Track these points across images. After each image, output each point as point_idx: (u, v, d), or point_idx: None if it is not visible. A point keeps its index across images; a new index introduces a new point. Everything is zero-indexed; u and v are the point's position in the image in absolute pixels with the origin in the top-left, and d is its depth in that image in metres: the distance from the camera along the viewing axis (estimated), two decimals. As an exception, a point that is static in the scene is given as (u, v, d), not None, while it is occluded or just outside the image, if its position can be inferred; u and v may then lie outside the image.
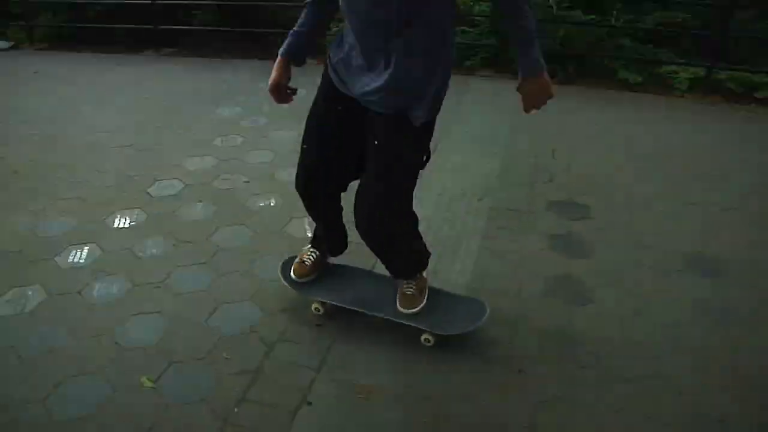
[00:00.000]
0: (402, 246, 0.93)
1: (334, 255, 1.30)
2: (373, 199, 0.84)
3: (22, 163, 2.49)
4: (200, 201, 2.24)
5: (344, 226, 1.14)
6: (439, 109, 0.82)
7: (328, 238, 1.20)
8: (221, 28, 4.23)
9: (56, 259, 1.86)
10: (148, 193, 2.32)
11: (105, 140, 2.78)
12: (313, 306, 1.28)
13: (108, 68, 4.03)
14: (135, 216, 2.13)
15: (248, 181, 2.33)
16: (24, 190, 2.27)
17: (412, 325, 1.01)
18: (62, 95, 3.46)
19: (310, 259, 1.28)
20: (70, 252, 1.88)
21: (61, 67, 4.12)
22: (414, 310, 1.12)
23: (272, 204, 2.11)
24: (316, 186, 1.03)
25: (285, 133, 2.76)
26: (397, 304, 1.09)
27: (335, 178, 0.97)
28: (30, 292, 1.61)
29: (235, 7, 4.20)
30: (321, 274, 1.24)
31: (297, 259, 1.22)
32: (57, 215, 2.13)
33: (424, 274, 1.17)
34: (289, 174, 2.29)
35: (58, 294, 1.64)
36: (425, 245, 1.11)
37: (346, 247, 1.19)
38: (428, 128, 0.80)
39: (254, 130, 2.86)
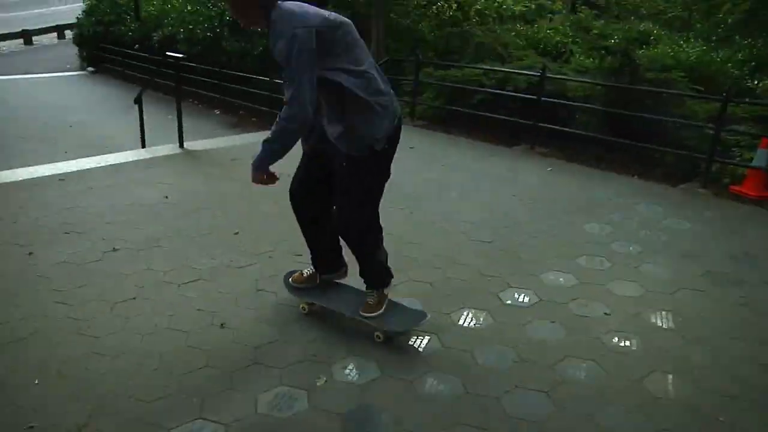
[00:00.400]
0: (365, 253, 1.36)
1: (320, 273, 1.78)
2: (338, 214, 1.35)
3: (384, 233, 2.29)
4: (552, 321, 2.37)
5: (331, 250, 1.54)
6: (370, 146, 1.27)
7: (313, 257, 1.63)
8: (601, 136, 4.52)
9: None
10: (498, 297, 2.54)
11: (464, 231, 3.16)
12: (301, 305, 1.95)
13: (480, 156, 4.65)
14: (481, 318, 2.33)
15: (609, 314, 2.42)
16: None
17: (370, 324, 1.64)
18: (430, 176, 4.05)
19: (307, 272, 1.85)
20: (409, 337, 2.07)
21: (435, 146, 4.88)
22: (371, 315, 1.73)
23: (633, 348, 2.15)
24: (299, 212, 1.54)
25: (659, 269, 2.77)
26: (360, 309, 1.68)
27: (313, 205, 1.46)
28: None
29: (621, 116, 4.45)
30: (315, 285, 1.79)
31: (299, 271, 1.69)
32: (408, 293, 2.43)
33: (385, 291, 1.81)
34: (659, 317, 2.30)
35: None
36: (388, 268, 1.65)
37: (334, 269, 1.66)
38: (357, 161, 1.27)
39: (624, 256, 2.96)
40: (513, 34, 7.31)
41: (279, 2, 1.53)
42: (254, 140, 5.11)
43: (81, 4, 15.60)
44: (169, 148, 4.75)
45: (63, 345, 2.20)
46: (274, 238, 3.01)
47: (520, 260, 2.89)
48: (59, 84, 11.75)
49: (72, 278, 2.68)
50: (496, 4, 8.39)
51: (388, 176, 1.86)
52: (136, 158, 4.31)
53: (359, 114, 1.42)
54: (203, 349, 2.14)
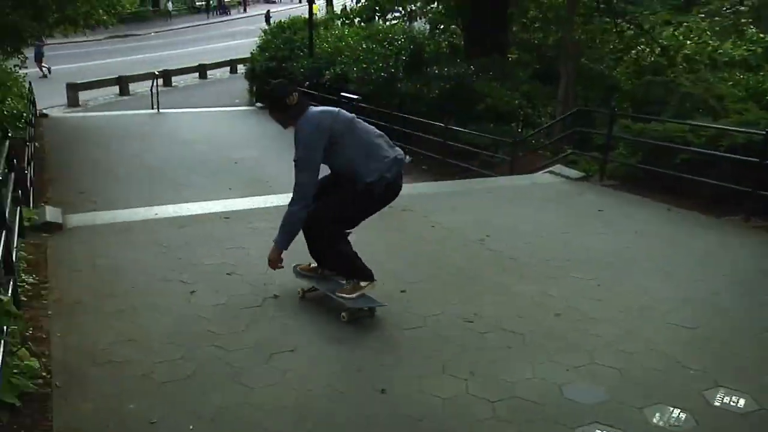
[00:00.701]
0: (325, 248, 2.45)
1: (323, 267, 3.01)
2: (311, 212, 2.40)
3: (565, 306, 2.97)
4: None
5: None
6: (362, 186, 2.57)
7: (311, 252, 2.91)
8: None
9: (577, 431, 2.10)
10: (703, 396, 2.47)
11: (660, 311, 3.13)
12: (298, 289, 2.97)
13: (681, 225, 4.54)
14: (681, 419, 2.28)
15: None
16: (561, 339, 2.69)
17: (340, 300, 2.57)
18: (620, 244, 4.10)
19: (312, 265, 2.98)
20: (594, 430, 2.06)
21: (627, 210, 4.87)
22: (341, 296, 2.67)
23: None
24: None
25: None
26: (337, 290, 2.67)
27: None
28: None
29: None
30: (316, 274, 2.89)
31: (307, 262, 2.87)
32: (591, 378, 2.46)
33: (362, 284, 2.83)
34: None
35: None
36: (357, 265, 2.76)
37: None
38: (355, 192, 2.54)
39: None
40: (730, 84, 6.98)
41: (298, 116, 2.82)
42: (427, 190, 5.51)
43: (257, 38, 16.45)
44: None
45: (218, 391, 2.40)
46: (440, 298, 3.38)
47: (732, 355, 2.76)
48: (228, 118, 12.70)
49: (230, 322, 2.96)
50: (709, 48, 7.84)
51: (369, 213, 3.14)
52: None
53: (355, 171, 2.87)
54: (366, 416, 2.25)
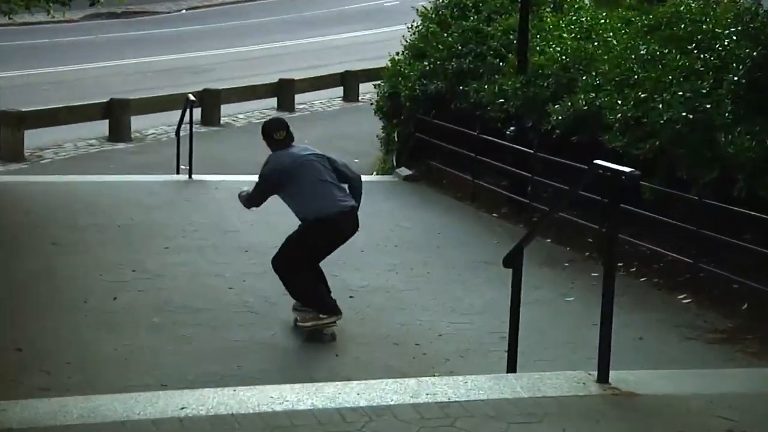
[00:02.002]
0: (284, 279, 8.15)
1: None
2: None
3: None
4: None
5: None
6: (306, 225, 8.17)
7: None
8: None
9: None
10: None
11: None
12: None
13: None
14: None
15: None
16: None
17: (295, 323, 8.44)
18: None
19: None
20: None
21: None
22: (297, 320, 8.26)
23: None
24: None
25: None
26: (298, 315, 8.40)
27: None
28: None
29: None
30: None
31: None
32: None
33: (322, 315, 8.15)
34: None
35: None
36: (318, 301, 8.22)
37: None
38: (301, 229, 8.25)
39: None
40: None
41: (276, 150, 8.41)
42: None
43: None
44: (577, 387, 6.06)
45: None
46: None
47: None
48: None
49: None
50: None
51: (317, 250, 8.29)
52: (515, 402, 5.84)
53: (303, 211, 8.18)
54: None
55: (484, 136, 13.29)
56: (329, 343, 7.98)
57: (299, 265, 8.01)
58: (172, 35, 35.37)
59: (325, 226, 7.96)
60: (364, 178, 15.48)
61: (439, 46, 15.15)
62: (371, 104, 18.11)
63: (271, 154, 8.24)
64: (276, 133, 8.23)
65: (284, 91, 22.89)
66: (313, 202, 7.87)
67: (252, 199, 8.41)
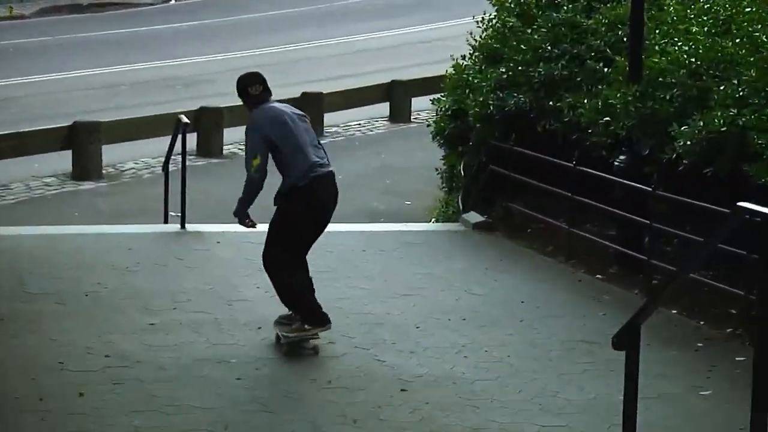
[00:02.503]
0: (274, 280, 10.42)
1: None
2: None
3: None
4: None
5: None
6: (280, 200, 10.56)
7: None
8: None
9: None
10: None
11: None
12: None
13: None
14: None
15: None
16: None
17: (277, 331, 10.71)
18: None
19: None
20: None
21: None
22: (282, 332, 10.37)
23: None
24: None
25: None
26: (280, 326, 10.60)
27: None
28: None
29: None
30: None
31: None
32: None
33: (307, 327, 10.29)
34: None
35: None
36: (306, 304, 10.36)
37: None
38: (279, 210, 10.66)
39: None
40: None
41: (255, 107, 10.60)
42: None
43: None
44: None
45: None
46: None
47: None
48: (387, 262, 14.52)
49: None
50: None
51: (303, 230, 10.50)
52: None
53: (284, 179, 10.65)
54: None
55: (584, 169, 13.35)
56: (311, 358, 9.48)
57: (290, 260, 10.14)
58: (156, 35, 36.22)
59: (305, 196, 10.01)
60: (417, 226, 15.12)
61: (521, 46, 15.25)
62: (428, 126, 18.34)
63: (254, 111, 10.15)
64: (251, 87, 10.11)
65: (309, 108, 22.55)
66: (296, 167, 9.94)
67: (251, 182, 10.20)
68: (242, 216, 10.47)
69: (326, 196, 10.20)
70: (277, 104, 10.54)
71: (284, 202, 10.09)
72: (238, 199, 10.47)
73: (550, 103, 14.36)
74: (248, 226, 10.52)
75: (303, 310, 10.00)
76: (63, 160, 19.43)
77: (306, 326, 9.93)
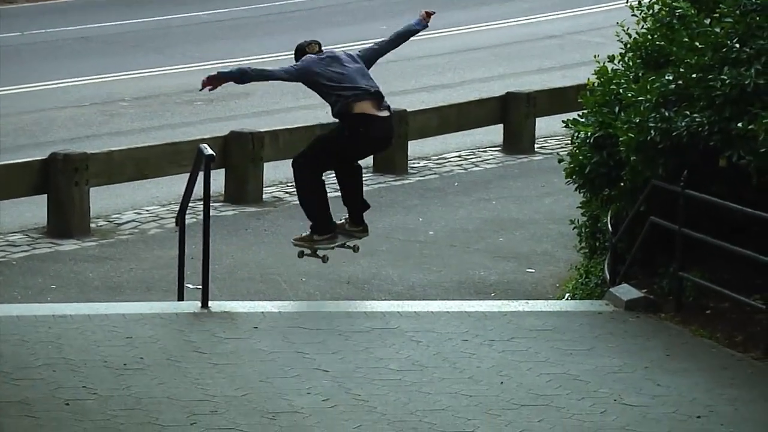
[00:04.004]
0: (297, 179, 17.78)
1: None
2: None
3: None
4: None
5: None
6: (339, 130, 17.95)
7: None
8: None
9: None
10: None
11: None
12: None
13: None
14: None
15: None
16: None
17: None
18: None
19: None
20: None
21: None
22: (295, 241, 17.63)
23: None
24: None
25: None
26: (294, 237, 18.36)
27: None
28: None
29: None
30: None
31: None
32: None
33: (316, 237, 17.51)
34: None
35: None
36: (319, 214, 17.54)
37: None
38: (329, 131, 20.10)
39: None
40: None
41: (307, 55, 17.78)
42: None
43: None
44: None
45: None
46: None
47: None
48: (510, 366, 14.31)
49: None
50: None
51: (342, 149, 17.58)
52: None
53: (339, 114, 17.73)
54: None
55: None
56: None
57: (312, 178, 16.23)
58: (168, 29, 37.13)
59: (354, 127, 15.87)
60: (544, 305, 15.20)
61: (696, 44, 15.28)
62: (559, 160, 18.54)
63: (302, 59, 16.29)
64: (308, 47, 16.26)
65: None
66: (343, 101, 15.87)
67: (264, 73, 16.86)
68: (219, 79, 15.95)
69: (381, 135, 16.41)
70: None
71: (339, 128, 16.30)
72: (239, 69, 16.60)
73: (739, 125, 14.28)
74: (205, 85, 15.72)
75: (315, 218, 16.08)
76: (36, 208, 19.69)
77: (315, 237, 15.93)
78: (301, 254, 16.17)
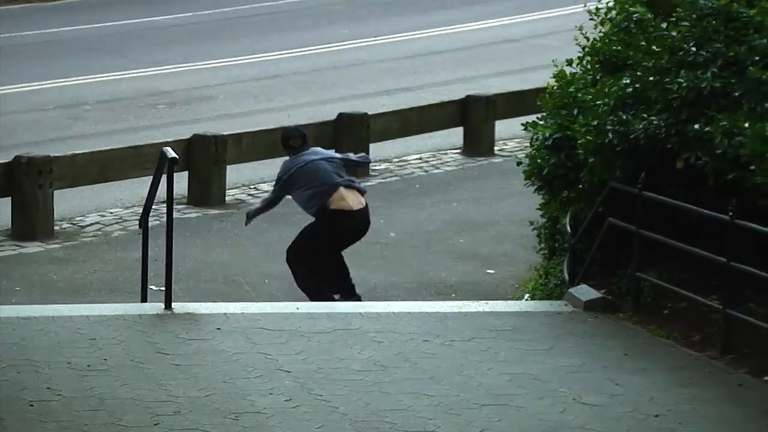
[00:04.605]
0: (294, 271, 19.50)
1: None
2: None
3: None
4: None
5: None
6: (315, 220, 20.14)
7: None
8: None
9: None
10: None
11: None
12: None
13: None
14: None
15: None
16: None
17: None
18: None
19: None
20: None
21: None
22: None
23: None
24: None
25: None
26: None
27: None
28: None
29: None
30: None
31: None
32: None
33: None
34: None
35: None
36: (319, 292, 19.38)
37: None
38: (310, 226, 20.57)
39: None
40: None
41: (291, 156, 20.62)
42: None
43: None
44: None
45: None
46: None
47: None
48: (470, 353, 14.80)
49: None
50: None
51: (325, 246, 19.58)
52: None
53: (312, 212, 20.45)
54: None
55: (745, 223, 13.34)
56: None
57: (303, 261, 17.72)
58: (131, 33, 36.89)
59: (332, 223, 17.63)
60: (504, 305, 15.44)
61: (653, 47, 15.36)
62: (518, 162, 18.65)
63: (286, 160, 18.03)
64: (291, 140, 18.12)
65: (348, 135, 23.55)
66: (321, 199, 17.64)
67: (269, 203, 18.34)
68: (252, 218, 18.25)
69: (358, 228, 18.01)
70: (311, 151, 18.31)
71: (317, 222, 17.94)
72: (258, 206, 18.72)
73: (695, 127, 14.37)
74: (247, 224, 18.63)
75: (317, 297, 17.26)
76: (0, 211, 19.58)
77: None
78: None
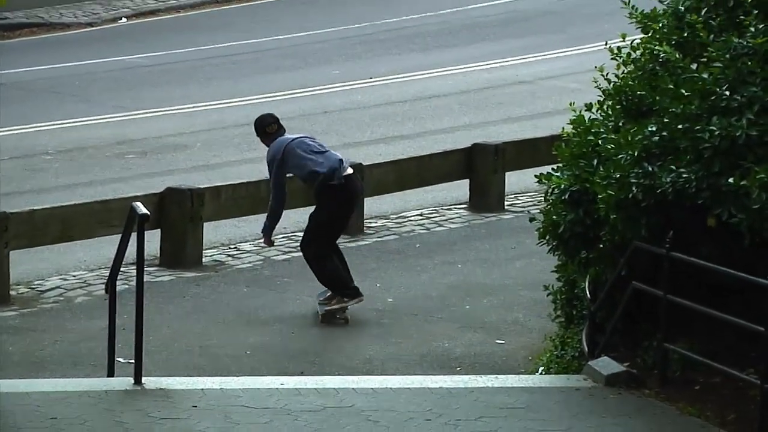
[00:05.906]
0: (314, 267, 23.29)
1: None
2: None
3: None
4: None
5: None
6: (323, 199, 23.45)
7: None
8: None
9: None
10: None
11: None
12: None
13: None
14: None
15: None
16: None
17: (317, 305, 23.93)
18: None
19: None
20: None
21: None
22: (321, 303, 22.98)
23: None
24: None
25: None
26: (320, 298, 24.64)
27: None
28: None
29: None
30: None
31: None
32: None
33: (345, 299, 23.04)
34: None
35: None
36: (339, 285, 22.79)
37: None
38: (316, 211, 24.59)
39: None
40: None
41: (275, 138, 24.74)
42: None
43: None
44: None
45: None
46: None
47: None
48: None
49: None
50: None
51: (338, 221, 23.14)
52: None
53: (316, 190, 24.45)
54: None
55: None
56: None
57: (326, 249, 20.24)
58: (96, 74, 37.08)
59: (341, 190, 20.29)
60: (516, 380, 15.43)
61: (682, 91, 15.35)
62: (531, 219, 18.69)
63: (271, 144, 20.36)
64: (267, 126, 20.50)
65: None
66: (322, 163, 20.22)
67: (275, 195, 20.44)
68: (270, 233, 20.68)
69: (356, 190, 21.21)
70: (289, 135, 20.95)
71: (322, 196, 20.44)
72: (267, 216, 20.44)
73: (729, 180, 14.36)
74: (269, 245, 21.32)
75: (342, 288, 19.92)
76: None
77: (345, 299, 19.80)
78: (327, 317, 20.20)
